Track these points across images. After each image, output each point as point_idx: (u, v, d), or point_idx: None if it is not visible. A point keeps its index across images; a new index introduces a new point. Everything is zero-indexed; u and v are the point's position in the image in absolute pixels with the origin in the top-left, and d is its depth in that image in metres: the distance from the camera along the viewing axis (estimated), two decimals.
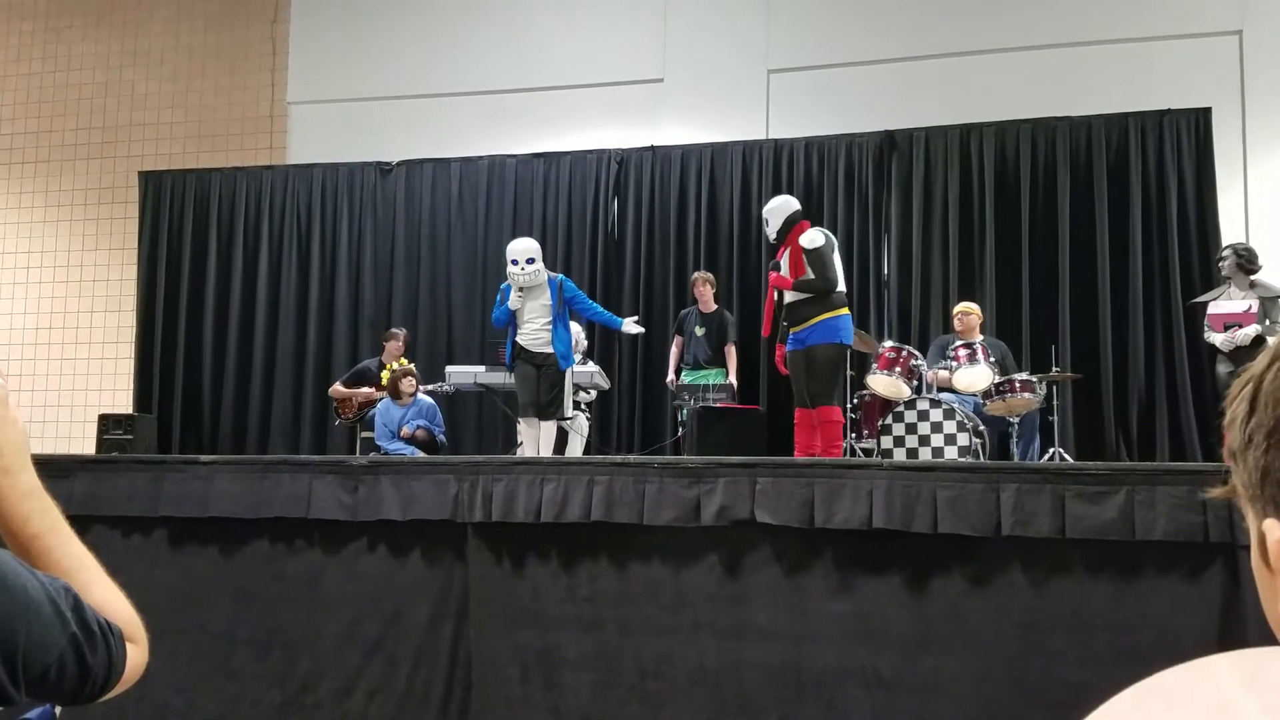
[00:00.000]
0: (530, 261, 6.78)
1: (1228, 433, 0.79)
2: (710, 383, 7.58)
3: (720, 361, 7.92)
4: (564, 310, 6.84)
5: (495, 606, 4.81)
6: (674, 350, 8.16)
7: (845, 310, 6.27)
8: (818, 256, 6.15)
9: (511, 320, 6.84)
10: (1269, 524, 0.72)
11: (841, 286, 6.29)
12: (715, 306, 8.04)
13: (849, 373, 7.38)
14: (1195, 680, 0.67)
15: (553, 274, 7.01)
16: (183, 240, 10.19)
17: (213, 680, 5.06)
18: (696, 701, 4.49)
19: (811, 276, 6.13)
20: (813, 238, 6.21)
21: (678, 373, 7.98)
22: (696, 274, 8.20)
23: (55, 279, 10.73)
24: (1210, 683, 0.66)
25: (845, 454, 6.71)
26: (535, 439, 6.83)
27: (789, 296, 6.24)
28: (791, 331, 6.27)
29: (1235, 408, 0.78)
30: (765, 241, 8.67)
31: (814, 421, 6.23)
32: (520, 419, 7.02)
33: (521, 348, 6.81)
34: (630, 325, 7.17)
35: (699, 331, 7.96)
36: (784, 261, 6.28)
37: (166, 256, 10.18)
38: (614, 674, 4.60)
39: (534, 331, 6.78)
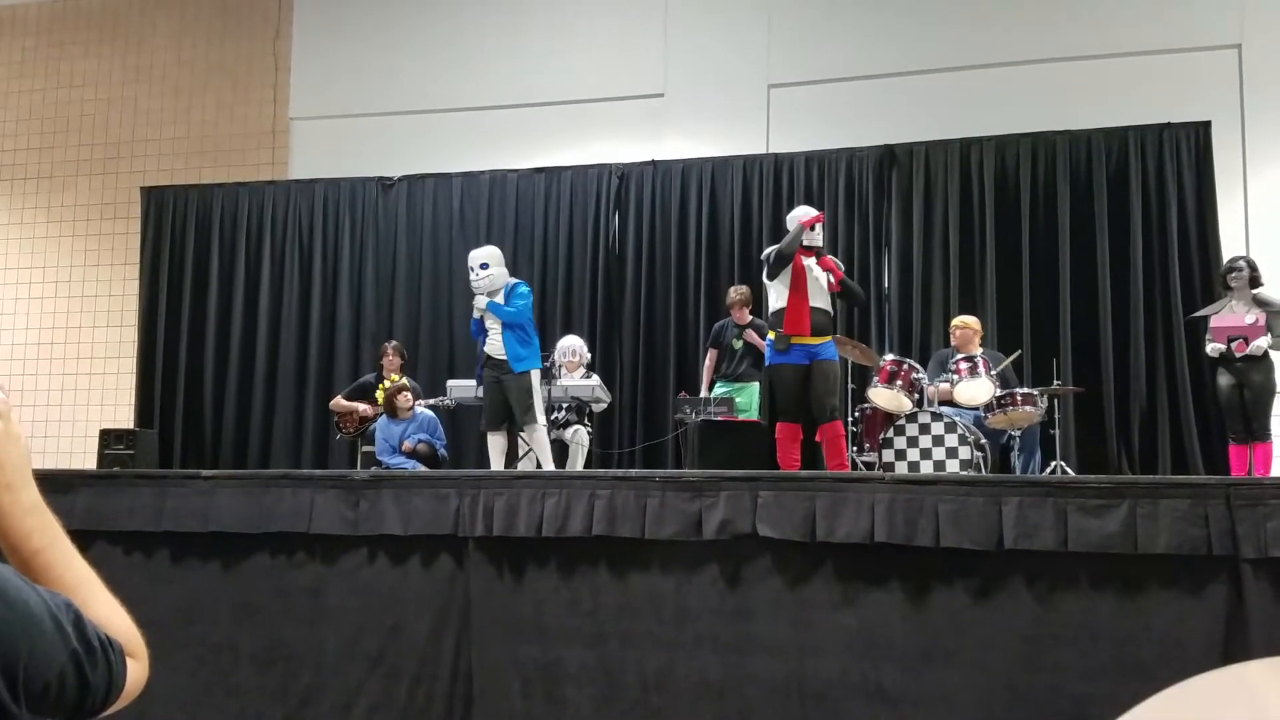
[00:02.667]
0: (484, 267, 6.78)
1: None
2: (736, 398, 7.52)
3: (757, 376, 7.82)
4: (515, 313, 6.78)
5: (497, 620, 4.80)
6: (708, 364, 8.00)
7: None
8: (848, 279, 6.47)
9: (482, 329, 6.84)
10: None
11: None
12: (750, 318, 7.94)
13: (851, 386, 7.40)
14: (1231, 685, 0.67)
15: (514, 280, 6.96)
16: (185, 255, 10.21)
17: (214, 695, 5.05)
18: (699, 715, 4.48)
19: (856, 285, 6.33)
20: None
21: (710, 386, 7.83)
22: (732, 292, 7.99)
23: (57, 294, 10.75)
24: (1246, 688, 0.66)
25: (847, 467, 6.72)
26: (502, 450, 6.84)
27: (814, 300, 6.26)
28: (798, 342, 6.25)
29: None
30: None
31: (800, 437, 6.34)
32: (490, 432, 6.92)
33: (488, 356, 6.80)
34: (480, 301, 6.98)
35: (737, 344, 7.86)
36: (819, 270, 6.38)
37: (168, 272, 10.20)
38: (616, 688, 4.59)
39: (494, 338, 6.75)
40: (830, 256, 6.48)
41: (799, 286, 6.24)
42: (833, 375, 6.28)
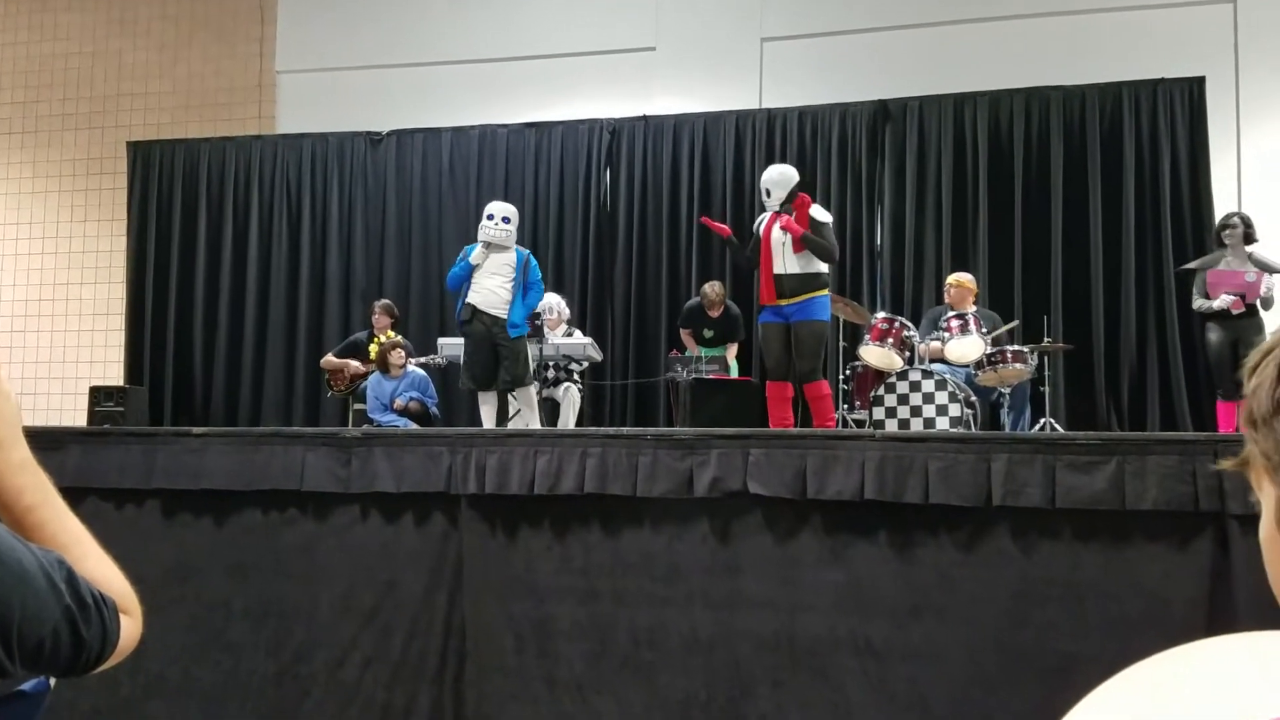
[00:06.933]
0: (506, 220, 6.77)
1: (1248, 399, 0.75)
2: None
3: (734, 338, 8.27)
4: (524, 283, 6.79)
5: (489, 577, 4.83)
6: (687, 338, 8.33)
7: (828, 290, 6.40)
8: (827, 230, 6.30)
9: (467, 280, 6.75)
10: None
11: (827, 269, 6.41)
12: (722, 309, 8.14)
13: (842, 344, 7.41)
14: (1205, 657, 0.66)
15: (521, 248, 6.95)
16: (172, 211, 10.14)
17: (207, 651, 5.07)
18: (690, 671, 4.52)
19: (822, 241, 6.21)
20: (823, 211, 6.38)
21: None
22: (708, 290, 8.17)
23: (44, 250, 10.67)
24: (1221, 660, 0.65)
25: (838, 425, 6.74)
26: (494, 408, 6.86)
27: (779, 266, 6.24)
28: (775, 303, 6.29)
29: (1263, 373, 0.73)
30: (758, 210, 8.67)
31: (789, 395, 6.38)
32: (480, 391, 6.89)
33: (474, 309, 6.69)
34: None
35: (707, 334, 8.17)
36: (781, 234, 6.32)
37: (156, 227, 10.14)
38: (608, 644, 4.63)
39: (490, 289, 6.66)
40: (786, 214, 6.28)
41: (765, 255, 6.30)
42: (809, 337, 6.20)
